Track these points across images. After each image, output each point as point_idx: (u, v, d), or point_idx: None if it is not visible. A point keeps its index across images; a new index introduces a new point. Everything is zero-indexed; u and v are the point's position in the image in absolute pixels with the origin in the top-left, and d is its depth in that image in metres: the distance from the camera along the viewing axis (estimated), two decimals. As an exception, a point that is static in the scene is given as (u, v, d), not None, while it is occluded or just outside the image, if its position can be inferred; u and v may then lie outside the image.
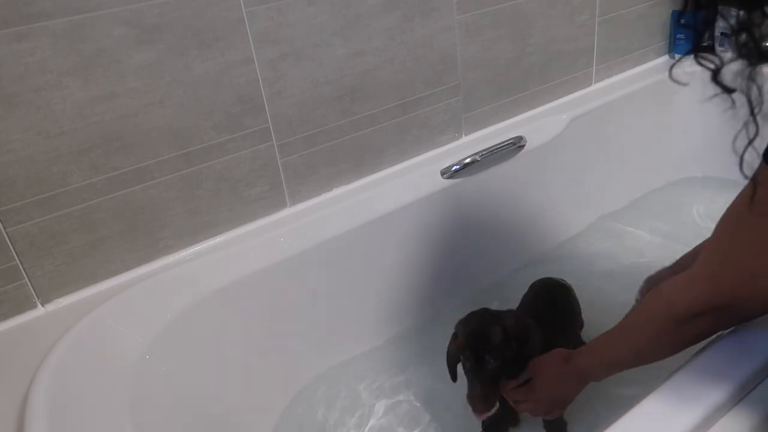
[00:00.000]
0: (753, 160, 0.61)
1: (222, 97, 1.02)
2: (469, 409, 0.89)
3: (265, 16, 1.01)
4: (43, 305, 0.97)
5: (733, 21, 0.56)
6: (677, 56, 1.62)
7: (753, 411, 0.68)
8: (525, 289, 1.16)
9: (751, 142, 0.59)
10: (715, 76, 0.59)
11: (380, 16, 1.13)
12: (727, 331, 0.74)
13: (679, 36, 1.61)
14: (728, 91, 0.58)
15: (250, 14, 0.99)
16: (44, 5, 0.84)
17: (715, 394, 0.66)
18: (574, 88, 1.51)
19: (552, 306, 1.11)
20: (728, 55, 0.58)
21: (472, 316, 0.95)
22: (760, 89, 0.56)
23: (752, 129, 0.57)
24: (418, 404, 1.16)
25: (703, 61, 0.60)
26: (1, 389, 0.86)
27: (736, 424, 0.67)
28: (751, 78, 0.56)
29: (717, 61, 0.59)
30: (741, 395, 0.68)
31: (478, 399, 0.88)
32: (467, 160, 1.27)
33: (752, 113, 0.57)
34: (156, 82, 0.95)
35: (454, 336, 0.95)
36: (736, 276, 0.66)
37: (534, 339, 0.92)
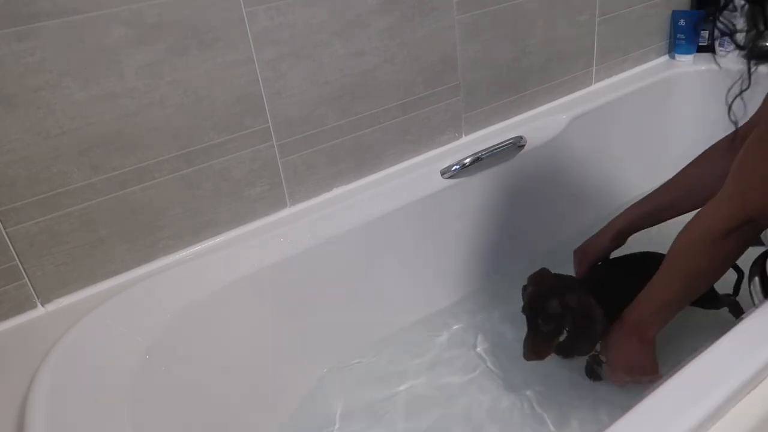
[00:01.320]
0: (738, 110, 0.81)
1: (222, 97, 1.02)
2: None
3: (265, 16, 1.01)
4: (43, 305, 0.97)
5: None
6: (677, 57, 1.62)
7: (753, 411, 0.68)
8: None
9: (741, 92, 0.77)
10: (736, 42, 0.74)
11: (380, 16, 1.13)
12: (726, 331, 0.74)
13: (679, 36, 1.61)
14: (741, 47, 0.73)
15: (250, 14, 0.99)
16: (44, 5, 0.84)
17: (715, 394, 0.66)
18: (574, 88, 1.51)
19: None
20: (729, 54, 0.71)
21: (541, 278, 1.03)
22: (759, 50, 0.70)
23: (745, 83, 0.73)
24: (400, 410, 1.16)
25: (720, 25, 0.75)
26: (1, 389, 0.86)
27: (736, 425, 0.67)
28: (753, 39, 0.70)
29: (731, 26, 0.74)
30: (741, 395, 0.68)
31: (528, 350, 0.98)
32: (467, 160, 1.27)
33: (749, 70, 0.71)
34: (156, 82, 0.95)
35: (524, 288, 1.04)
36: (760, 190, 0.76)
37: (596, 325, 0.96)
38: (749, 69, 0.73)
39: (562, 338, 0.99)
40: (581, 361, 1.13)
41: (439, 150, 1.31)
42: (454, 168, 1.26)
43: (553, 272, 1.07)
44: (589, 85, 1.54)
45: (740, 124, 0.88)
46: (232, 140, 1.05)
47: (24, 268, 0.94)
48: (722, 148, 0.97)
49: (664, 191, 1.09)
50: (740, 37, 0.74)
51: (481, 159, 1.29)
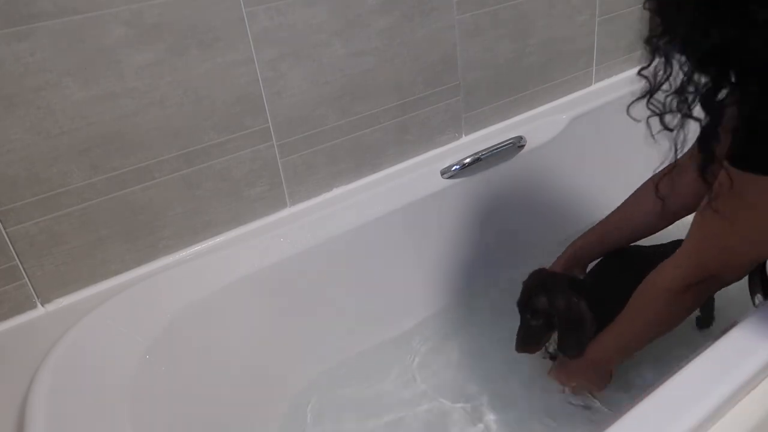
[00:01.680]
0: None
1: (222, 97, 1.02)
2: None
3: (265, 16, 1.01)
4: (43, 305, 0.97)
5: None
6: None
7: (753, 411, 0.68)
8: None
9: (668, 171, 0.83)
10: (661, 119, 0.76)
11: (380, 16, 1.13)
12: (727, 331, 0.74)
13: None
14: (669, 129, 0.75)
15: (250, 14, 0.99)
16: (44, 5, 0.84)
17: (715, 394, 0.66)
18: (574, 88, 1.51)
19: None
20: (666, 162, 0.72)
21: (536, 274, 1.05)
22: (685, 136, 0.71)
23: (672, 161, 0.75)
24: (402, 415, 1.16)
25: (652, 108, 0.79)
26: (1, 389, 0.87)
27: (736, 424, 0.67)
28: (681, 125, 0.71)
29: (663, 107, 0.77)
30: (741, 395, 0.68)
31: (518, 342, 1.02)
32: (467, 160, 1.27)
33: (675, 152, 0.74)
34: (156, 82, 0.95)
35: (523, 283, 1.06)
36: (719, 258, 0.79)
37: (583, 328, 0.98)
38: (676, 151, 0.74)
39: (552, 336, 1.02)
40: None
41: (439, 150, 1.31)
42: (454, 168, 1.26)
43: (551, 271, 1.09)
44: (589, 85, 1.54)
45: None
46: (232, 140, 1.05)
47: (24, 268, 0.94)
48: (658, 181, 0.95)
49: (607, 222, 1.13)
50: (669, 119, 0.73)
51: (481, 159, 1.29)
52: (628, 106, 0.81)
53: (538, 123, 1.40)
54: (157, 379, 0.94)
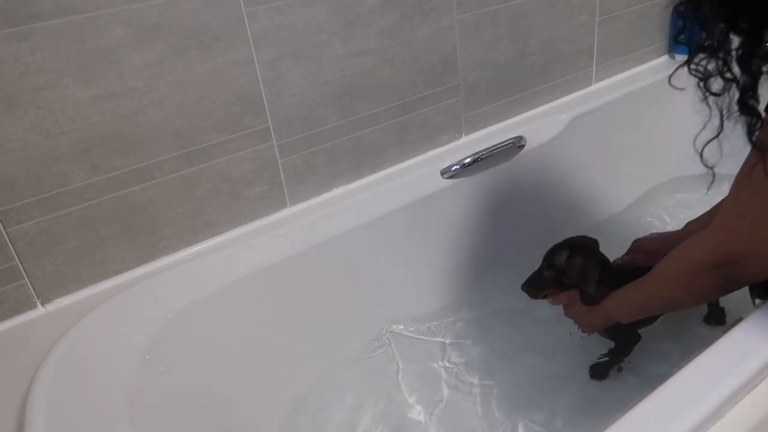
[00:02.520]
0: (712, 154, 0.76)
1: (222, 97, 1.02)
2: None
3: (265, 16, 1.01)
4: (43, 305, 0.97)
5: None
6: (677, 57, 1.63)
7: (753, 411, 0.68)
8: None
9: (713, 138, 0.76)
10: (705, 83, 0.72)
11: (380, 16, 1.13)
12: (727, 331, 0.74)
13: (679, 36, 1.61)
14: (714, 94, 0.71)
15: (250, 14, 0.99)
16: (44, 5, 0.84)
17: (715, 394, 0.66)
18: (574, 88, 1.51)
19: None
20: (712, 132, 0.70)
21: (574, 237, 1.09)
22: (731, 99, 0.68)
23: (719, 128, 0.72)
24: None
25: (694, 72, 0.72)
26: (1, 389, 0.86)
27: (736, 424, 0.67)
28: (725, 89, 0.69)
29: (704, 72, 0.71)
30: (741, 395, 0.68)
31: (526, 282, 1.08)
32: (467, 160, 1.27)
33: (721, 117, 0.70)
34: (156, 82, 0.95)
35: None
36: (747, 227, 0.73)
37: (588, 285, 1.01)
38: (722, 116, 0.71)
39: (554, 291, 1.07)
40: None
41: (439, 150, 1.31)
42: (454, 168, 1.26)
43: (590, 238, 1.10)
44: (589, 85, 1.54)
45: (715, 166, 0.81)
46: (232, 140, 1.05)
47: (24, 268, 0.94)
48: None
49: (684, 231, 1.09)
50: (716, 85, 0.71)
51: (481, 159, 1.28)
52: (670, 76, 0.78)
53: (538, 123, 1.40)
54: (157, 379, 0.94)
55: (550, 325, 1.27)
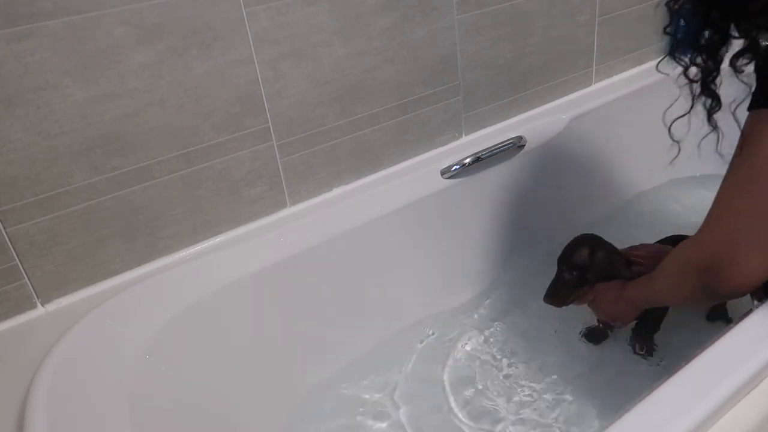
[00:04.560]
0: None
1: (222, 97, 1.02)
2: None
3: (265, 16, 1.01)
4: (43, 305, 0.97)
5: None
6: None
7: (753, 411, 0.68)
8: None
9: (682, 116, 0.85)
10: (686, 72, 0.82)
11: (380, 16, 1.13)
12: (727, 331, 0.74)
13: (679, 36, 1.60)
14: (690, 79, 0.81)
15: (250, 14, 0.99)
16: (44, 5, 0.84)
17: (715, 394, 0.66)
18: (574, 88, 1.51)
19: None
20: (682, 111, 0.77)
21: (585, 234, 1.10)
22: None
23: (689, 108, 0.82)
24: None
25: (677, 59, 0.82)
26: (1, 389, 0.86)
27: (736, 425, 0.67)
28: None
29: (686, 61, 0.81)
30: (741, 395, 0.68)
31: (548, 293, 1.07)
32: (467, 160, 1.27)
33: (693, 99, 0.81)
34: (156, 82, 0.95)
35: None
36: (726, 230, 0.75)
37: (621, 270, 1.03)
38: (693, 98, 0.81)
39: (580, 292, 1.07)
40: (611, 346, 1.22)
41: (439, 150, 1.31)
42: (454, 168, 1.26)
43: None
44: (589, 85, 1.54)
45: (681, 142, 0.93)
46: (232, 140, 1.05)
47: (24, 268, 0.94)
48: None
49: None
50: (693, 72, 0.80)
51: (481, 159, 1.28)
52: (658, 63, 0.90)
53: (538, 123, 1.40)
54: (157, 379, 0.94)
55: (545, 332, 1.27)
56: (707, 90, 0.79)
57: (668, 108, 0.90)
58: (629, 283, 1.02)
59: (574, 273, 1.05)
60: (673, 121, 0.89)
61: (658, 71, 0.90)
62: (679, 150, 0.92)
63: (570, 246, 1.08)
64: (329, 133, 1.15)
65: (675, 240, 1.19)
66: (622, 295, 1.02)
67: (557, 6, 1.37)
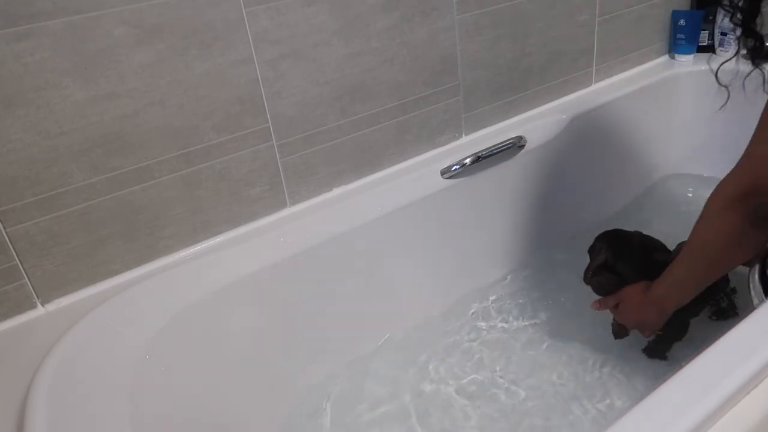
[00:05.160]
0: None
1: (222, 97, 1.02)
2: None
3: (265, 16, 1.01)
4: (43, 305, 0.97)
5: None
6: (677, 57, 1.62)
7: (753, 411, 0.68)
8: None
9: (730, 59, 0.91)
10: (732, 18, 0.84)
11: (380, 16, 1.13)
12: (727, 331, 0.74)
13: (679, 36, 1.61)
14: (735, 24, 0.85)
15: (250, 14, 0.99)
16: (44, 5, 0.84)
17: (715, 394, 0.66)
18: (574, 88, 1.51)
19: None
20: (729, 54, 0.79)
21: (620, 230, 1.14)
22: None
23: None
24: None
25: (726, 8, 0.85)
26: (1, 389, 0.86)
27: (736, 425, 0.67)
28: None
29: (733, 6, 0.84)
30: (741, 395, 0.68)
31: (585, 272, 1.12)
32: (467, 160, 1.27)
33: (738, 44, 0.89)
34: (156, 82, 0.95)
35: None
36: (759, 162, 0.79)
37: (611, 283, 1.07)
38: (738, 41, 0.88)
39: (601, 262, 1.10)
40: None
41: (439, 150, 1.31)
42: (454, 168, 1.26)
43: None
44: (589, 85, 1.54)
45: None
46: (232, 140, 1.05)
47: (24, 268, 0.94)
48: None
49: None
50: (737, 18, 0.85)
51: (482, 159, 1.28)
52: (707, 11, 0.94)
53: (538, 123, 1.40)
54: (157, 379, 0.94)
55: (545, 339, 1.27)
56: (748, 30, 0.83)
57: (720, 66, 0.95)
58: (654, 281, 0.99)
59: (604, 250, 1.10)
60: (720, 65, 0.93)
61: (719, 83, 0.96)
62: (728, 95, 0.96)
63: (600, 234, 1.14)
64: (329, 133, 1.16)
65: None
66: (648, 296, 0.99)
67: (557, 6, 1.37)
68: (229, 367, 1.07)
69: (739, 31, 0.85)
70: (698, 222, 0.91)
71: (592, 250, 1.13)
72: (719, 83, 0.95)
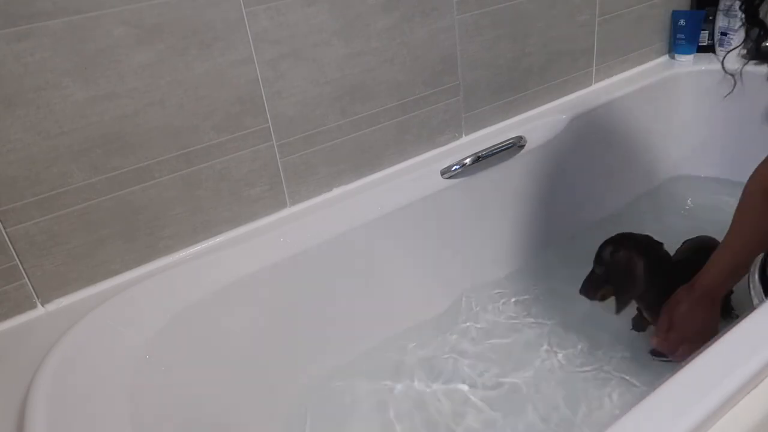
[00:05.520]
0: None
1: (222, 97, 1.02)
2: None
3: (265, 16, 1.01)
4: (43, 305, 0.97)
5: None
6: (677, 57, 1.62)
7: (753, 411, 0.68)
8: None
9: (737, 47, 0.96)
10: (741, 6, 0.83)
11: (380, 16, 1.13)
12: (727, 331, 0.74)
13: (679, 36, 1.61)
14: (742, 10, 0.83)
15: (250, 14, 0.99)
16: (44, 5, 0.84)
17: (715, 394, 0.66)
18: (574, 88, 1.51)
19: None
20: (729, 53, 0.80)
21: (620, 234, 1.11)
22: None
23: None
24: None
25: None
26: (1, 389, 0.86)
27: (736, 425, 0.67)
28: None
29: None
30: (741, 395, 0.68)
31: (582, 285, 1.11)
32: (467, 160, 1.27)
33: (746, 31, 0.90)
34: (156, 82, 0.95)
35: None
36: None
37: (630, 287, 1.04)
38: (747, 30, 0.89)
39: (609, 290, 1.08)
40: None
41: (439, 150, 1.31)
42: (454, 168, 1.26)
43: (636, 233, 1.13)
44: (589, 85, 1.54)
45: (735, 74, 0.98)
46: (232, 140, 1.05)
47: (24, 268, 0.94)
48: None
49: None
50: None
51: (482, 159, 1.28)
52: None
53: (538, 123, 1.40)
54: (157, 379, 0.94)
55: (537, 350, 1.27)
56: (753, 19, 0.83)
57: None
58: (698, 275, 0.96)
59: (602, 268, 1.07)
60: (728, 53, 0.98)
61: (726, 72, 0.95)
62: (735, 83, 0.94)
63: (603, 242, 1.10)
64: (329, 133, 1.16)
65: (697, 243, 1.18)
66: (695, 291, 0.95)
67: (557, 6, 1.38)
68: (229, 367, 1.07)
69: (743, 20, 0.85)
70: (739, 207, 0.92)
71: (615, 255, 1.06)
72: (725, 71, 0.94)
